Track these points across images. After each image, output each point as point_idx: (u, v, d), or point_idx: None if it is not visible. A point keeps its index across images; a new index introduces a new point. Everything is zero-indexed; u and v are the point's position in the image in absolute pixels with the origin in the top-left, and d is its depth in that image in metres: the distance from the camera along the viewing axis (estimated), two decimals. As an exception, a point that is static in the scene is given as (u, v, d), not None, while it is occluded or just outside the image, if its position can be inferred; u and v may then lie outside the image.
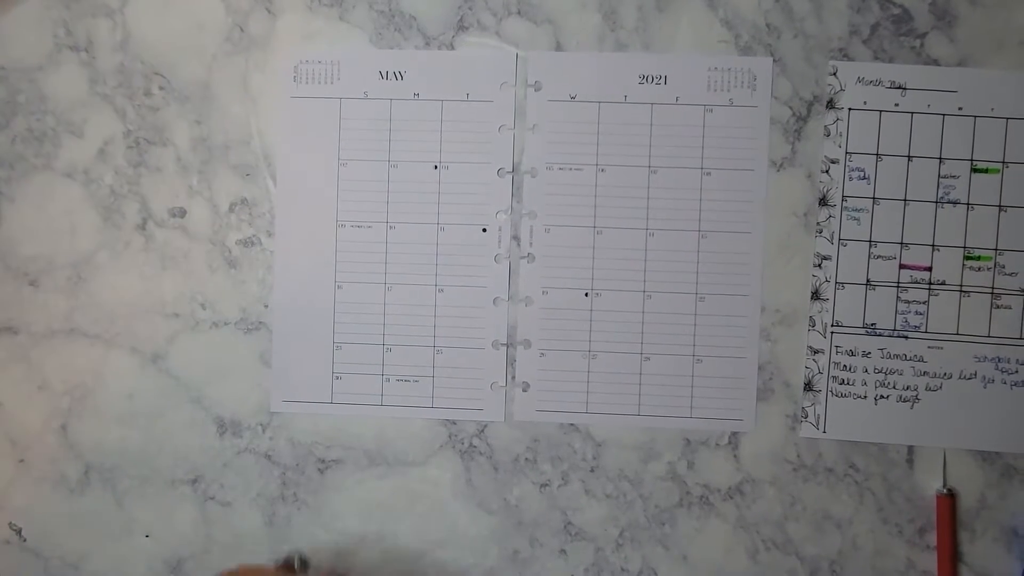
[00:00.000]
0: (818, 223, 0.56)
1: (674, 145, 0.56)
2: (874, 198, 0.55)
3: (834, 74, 0.55)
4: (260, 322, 0.57)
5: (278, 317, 0.57)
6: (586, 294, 0.56)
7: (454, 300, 0.56)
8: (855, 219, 0.55)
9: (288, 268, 0.56)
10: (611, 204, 0.56)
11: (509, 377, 0.56)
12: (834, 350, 0.56)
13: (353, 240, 0.57)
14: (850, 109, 0.55)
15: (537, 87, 0.56)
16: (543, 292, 0.56)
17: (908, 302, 0.55)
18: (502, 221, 0.56)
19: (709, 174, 0.56)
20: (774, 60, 0.55)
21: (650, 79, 0.55)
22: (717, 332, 0.56)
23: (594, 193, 0.56)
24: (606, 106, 0.56)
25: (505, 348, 0.56)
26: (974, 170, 0.55)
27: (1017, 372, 0.55)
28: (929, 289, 0.55)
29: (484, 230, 0.56)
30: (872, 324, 0.55)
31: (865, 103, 0.55)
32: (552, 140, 0.56)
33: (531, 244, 0.56)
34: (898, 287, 0.55)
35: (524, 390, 0.56)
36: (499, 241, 0.56)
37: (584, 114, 0.56)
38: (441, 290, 0.56)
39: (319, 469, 0.57)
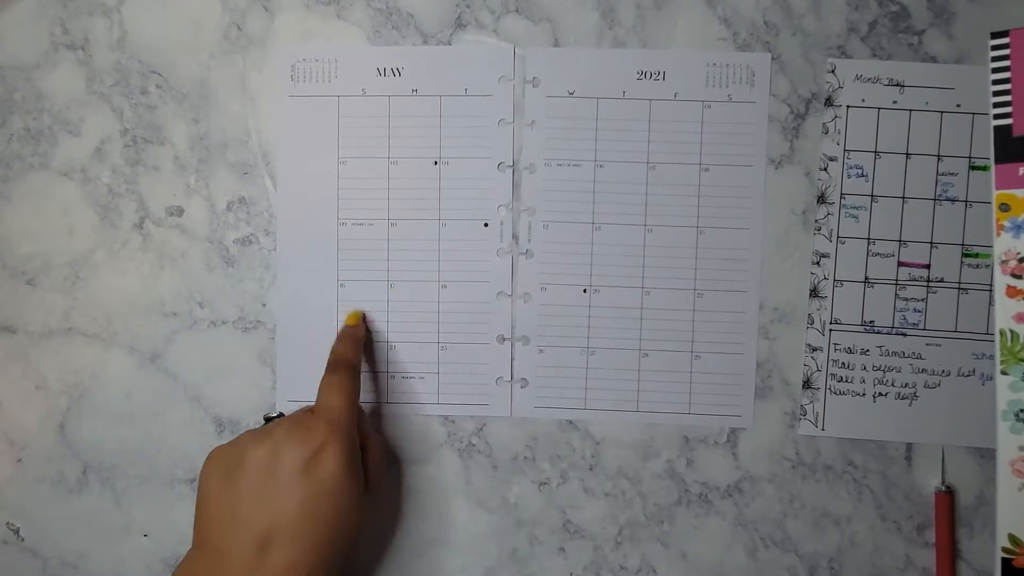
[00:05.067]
0: (816, 221, 0.56)
1: (672, 141, 0.55)
2: (872, 196, 0.55)
3: (832, 71, 0.55)
4: (258, 321, 0.57)
5: (282, 318, 0.56)
6: (584, 290, 0.56)
7: (458, 295, 0.56)
8: (853, 217, 0.55)
9: (291, 269, 0.56)
10: (609, 200, 0.56)
11: (513, 372, 0.56)
12: (832, 348, 0.56)
13: (355, 238, 0.56)
14: (848, 107, 0.55)
15: (535, 83, 0.56)
16: (541, 288, 0.56)
17: (906, 299, 0.55)
18: (503, 215, 0.56)
19: (707, 170, 0.56)
20: (772, 58, 0.55)
21: (648, 75, 0.55)
22: (715, 329, 0.56)
23: (592, 189, 0.56)
24: (604, 102, 0.56)
25: (510, 343, 0.56)
26: (972, 167, 0.55)
27: (1015, 369, 0.55)
28: (927, 286, 0.55)
29: (486, 224, 0.56)
30: (871, 322, 0.55)
31: (863, 100, 0.55)
32: (550, 136, 0.56)
33: (529, 240, 0.56)
34: (896, 284, 0.55)
35: (522, 386, 0.56)
36: (501, 235, 0.56)
37: (582, 110, 0.56)
38: (444, 286, 0.56)
39: (317, 468, 0.57)
